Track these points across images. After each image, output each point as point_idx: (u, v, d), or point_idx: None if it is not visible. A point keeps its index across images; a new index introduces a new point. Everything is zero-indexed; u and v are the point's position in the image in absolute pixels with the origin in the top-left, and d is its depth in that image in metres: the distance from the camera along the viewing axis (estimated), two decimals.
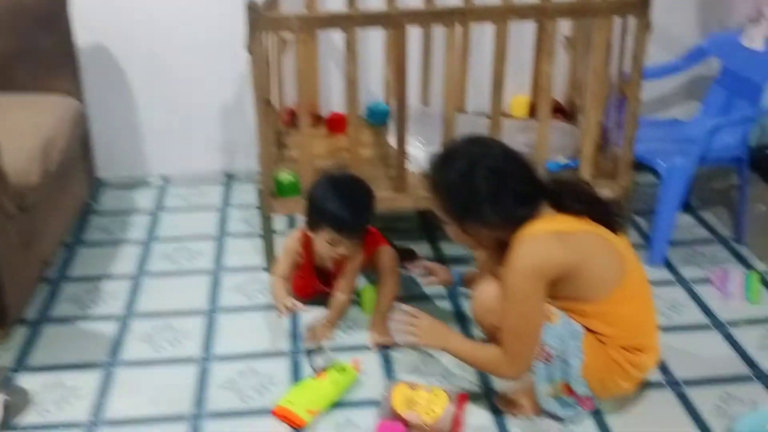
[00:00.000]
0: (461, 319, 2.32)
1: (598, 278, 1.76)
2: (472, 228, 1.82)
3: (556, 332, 1.77)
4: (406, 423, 1.84)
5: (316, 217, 2.15)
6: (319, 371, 2.03)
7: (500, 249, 1.81)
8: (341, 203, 2.10)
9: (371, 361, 2.14)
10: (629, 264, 1.80)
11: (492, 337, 1.86)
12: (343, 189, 2.14)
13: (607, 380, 1.81)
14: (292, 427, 1.91)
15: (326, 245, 2.16)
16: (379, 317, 2.24)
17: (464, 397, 1.84)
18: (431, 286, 2.37)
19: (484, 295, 1.87)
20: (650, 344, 1.85)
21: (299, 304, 2.13)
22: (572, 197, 1.81)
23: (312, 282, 2.34)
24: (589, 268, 1.75)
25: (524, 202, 1.77)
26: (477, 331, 2.05)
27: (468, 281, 2.24)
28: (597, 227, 1.79)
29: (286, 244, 2.30)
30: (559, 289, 1.75)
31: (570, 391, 1.82)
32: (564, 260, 1.72)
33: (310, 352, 2.11)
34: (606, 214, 1.83)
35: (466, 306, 2.35)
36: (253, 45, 2.22)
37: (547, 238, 1.73)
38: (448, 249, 2.68)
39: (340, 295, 2.26)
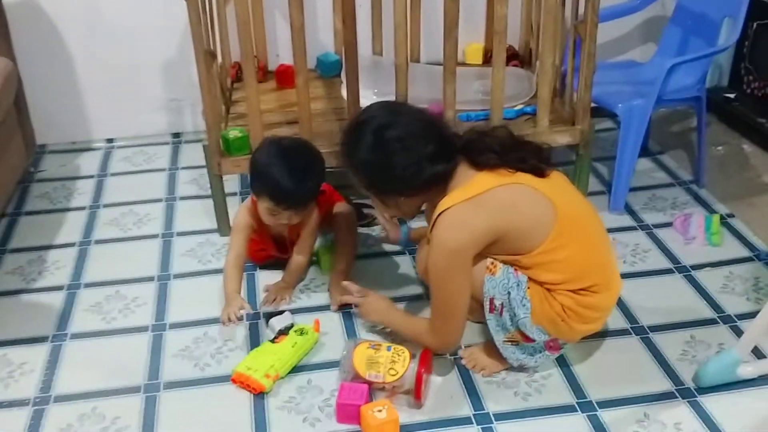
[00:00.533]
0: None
1: (528, 230, 1.70)
2: (393, 198, 1.80)
3: (497, 283, 1.74)
4: (368, 383, 1.78)
5: (257, 184, 2.03)
6: (277, 334, 1.96)
7: (430, 211, 1.80)
8: (282, 172, 1.96)
9: (332, 321, 2.08)
10: (561, 207, 1.71)
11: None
12: (286, 157, 2.00)
13: (560, 325, 1.75)
14: (251, 392, 1.84)
15: (267, 214, 2.04)
16: (338, 277, 2.17)
17: (427, 354, 1.79)
18: (381, 243, 2.34)
19: (425, 257, 1.83)
20: (603, 282, 1.76)
21: (246, 307, 2.00)
22: (486, 149, 1.75)
23: (268, 248, 2.25)
24: (516, 223, 1.69)
25: (438, 161, 1.72)
26: None
27: (415, 238, 2.19)
28: (517, 176, 1.72)
29: (236, 220, 2.15)
30: (492, 249, 1.72)
31: (527, 338, 1.78)
32: (486, 227, 1.68)
33: (267, 316, 2.03)
34: (524, 159, 1.75)
35: None
36: None
37: (464, 210, 1.67)
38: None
39: (297, 257, 2.18)
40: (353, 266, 2.23)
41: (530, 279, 1.74)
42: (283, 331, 1.97)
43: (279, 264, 2.25)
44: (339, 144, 1.85)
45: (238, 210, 2.18)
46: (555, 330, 1.77)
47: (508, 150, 1.76)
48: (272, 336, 1.97)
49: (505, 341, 1.81)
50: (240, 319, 1.99)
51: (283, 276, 2.20)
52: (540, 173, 1.75)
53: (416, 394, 1.76)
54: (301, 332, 1.97)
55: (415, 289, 2.20)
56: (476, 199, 1.68)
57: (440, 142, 1.75)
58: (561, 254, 1.71)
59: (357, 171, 1.80)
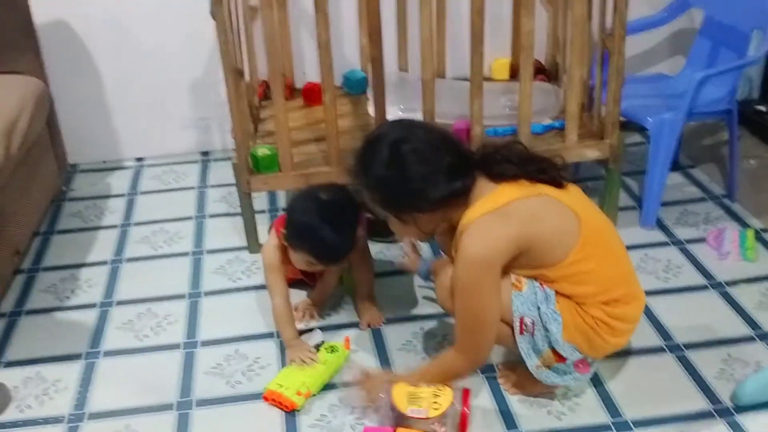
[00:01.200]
0: None
1: (554, 241, 1.67)
2: (410, 215, 1.73)
3: (525, 299, 1.71)
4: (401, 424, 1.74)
5: (297, 241, 1.96)
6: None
7: (448, 232, 1.76)
8: (326, 233, 1.91)
9: (362, 339, 2.08)
10: (584, 218, 1.69)
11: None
12: (328, 214, 1.93)
13: (594, 339, 1.72)
14: (283, 410, 1.84)
15: (304, 263, 2.00)
16: (362, 300, 2.17)
17: (467, 392, 1.76)
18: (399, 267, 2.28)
19: (446, 281, 1.77)
20: (629, 293, 1.74)
21: (309, 349, 1.97)
22: (504, 161, 1.72)
23: (294, 274, 2.19)
24: (542, 234, 1.66)
25: (456, 176, 1.68)
26: None
27: (434, 272, 2.10)
28: (539, 187, 1.70)
29: (266, 261, 2.04)
30: (517, 263, 1.69)
31: (560, 357, 1.75)
32: (512, 238, 1.64)
33: (300, 333, 2.03)
34: (544, 171, 1.73)
35: None
36: (217, 10, 2.11)
37: (490, 221, 1.64)
38: None
39: (327, 278, 2.17)
40: (374, 285, 2.20)
41: (558, 293, 1.71)
42: (315, 349, 1.97)
43: (306, 283, 2.26)
44: (352, 163, 1.78)
45: (264, 250, 2.07)
46: (588, 345, 1.73)
47: (526, 162, 1.74)
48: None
49: (537, 366, 1.77)
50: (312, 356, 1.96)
51: (311, 294, 2.20)
52: (559, 185, 1.74)
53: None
54: (332, 350, 1.97)
55: (436, 307, 2.18)
56: (501, 210, 1.66)
57: (457, 156, 1.71)
58: (588, 266, 1.68)
59: (372, 189, 1.74)
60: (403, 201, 1.71)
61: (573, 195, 1.76)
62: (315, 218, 1.92)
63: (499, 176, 1.71)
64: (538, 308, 1.71)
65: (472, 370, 1.82)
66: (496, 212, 1.66)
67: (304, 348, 1.97)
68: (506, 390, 1.89)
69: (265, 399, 1.87)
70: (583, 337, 1.72)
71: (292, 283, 2.26)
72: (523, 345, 1.75)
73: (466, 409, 1.72)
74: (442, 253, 2.03)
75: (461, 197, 1.70)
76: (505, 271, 1.70)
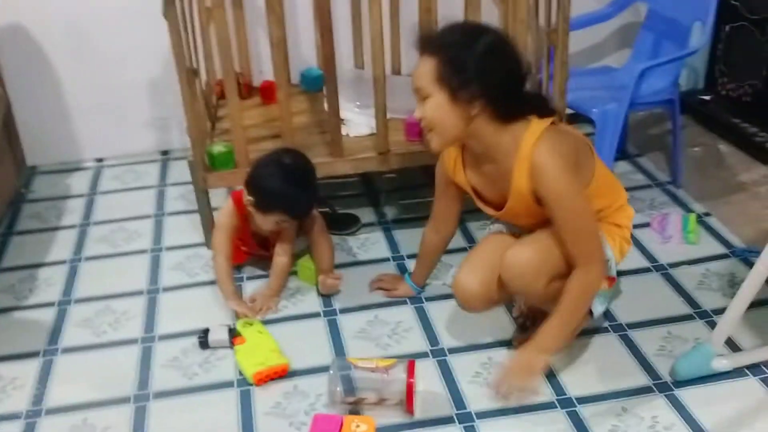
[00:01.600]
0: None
1: (587, 155, 1.83)
2: (460, 99, 1.66)
3: None
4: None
5: (269, 204, 2.11)
6: (230, 337, 2.05)
7: (465, 149, 1.86)
8: (297, 192, 2.10)
9: (317, 328, 2.13)
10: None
11: (537, 297, 1.83)
12: (295, 175, 2.11)
13: (618, 247, 1.90)
14: (281, 377, 1.93)
15: (272, 223, 2.15)
16: (325, 277, 2.24)
17: (413, 363, 1.82)
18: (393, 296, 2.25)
19: (520, 261, 1.77)
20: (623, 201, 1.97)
21: (247, 305, 2.18)
22: (546, 109, 1.80)
23: (250, 247, 2.33)
24: (583, 147, 1.82)
25: (521, 102, 1.74)
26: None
27: (417, 280, 2.22)
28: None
29: (219, 222, 2.24)
30: None
31: (611, 280, 1.88)
32: (573, 145, 1.78)
33: (202, 341, 2.06)
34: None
35: (410, 268, 2.34)
36: (168, 10, 2.15)
37: (552, 135, 1.72)
38: (391, 213, 2.66)
39: (280, 258, 2.24)
40: (333, 261, 2.29)
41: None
42: (235, 334, 2.04)
43: (261, 264, 2.32)
44: (437, 31, 1.75)
45: (219, 212, 2.24)
46: (618, 253, 1.91)
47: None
48: (227, 344, 2.04)
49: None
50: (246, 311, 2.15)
51: (269, 282, 2.25)
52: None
53: (408, 405, 1.79)
54: (248, 324, 2.06)
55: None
56: (553, 126, 1.75)
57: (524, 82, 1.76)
58: (604, 181, 1.86)
59: (448, 57, 1.65)
60: (475, 77, 1.64)
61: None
62: (284, 181, 2.09)
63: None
64: None
65: (600, 276, 1.79)
66: (552, 128, 1.74)
67: (242, 302, 2.18)
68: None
69: (259, 382, 1.92)
70: (618, 249, 1.90)
71: (253, 276, 2.32)
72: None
73: (411, 380, 1.77)
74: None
75: (513, 118, 1.73)
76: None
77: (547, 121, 1.74)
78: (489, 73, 1.66)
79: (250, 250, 2.34)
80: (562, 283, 1.76)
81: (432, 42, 1.70)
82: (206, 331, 2.06)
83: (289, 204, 2.11)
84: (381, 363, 1.85)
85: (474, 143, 1.78)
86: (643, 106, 2.63)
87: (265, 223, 2.16)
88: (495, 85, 1.67)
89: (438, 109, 1.69)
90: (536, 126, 1.72)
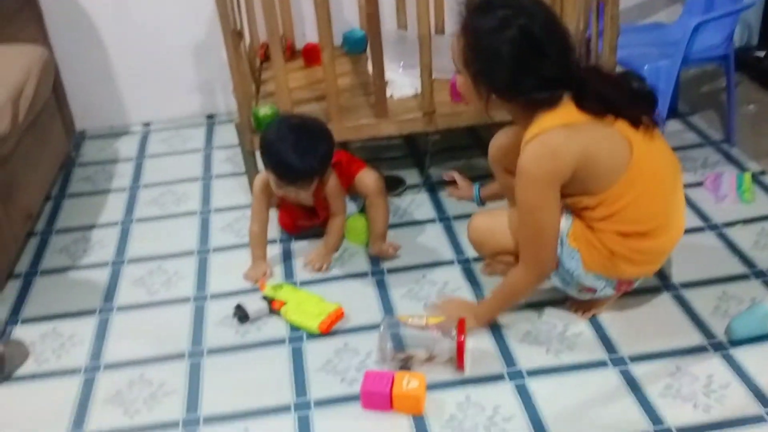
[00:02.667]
0: (453, 242, 2.31)
1: (605, 168, 1.68)
2: (479, 88, 1.71)
3: None
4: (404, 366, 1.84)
5: (264, 158, 2.10)
6: (269, 302, 2.06)
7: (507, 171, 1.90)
8: (285, 148, 2.02)
9: (366, 289, 2.14)
10: (638, 152, 1.69)
11: (491, 257, 1.99)
12: (292, 133, 2.05)
13: (614, 270, 1.78)
14: (338, 322, 2.00)
15: (275, 186, 2.12)
16: (376, 241, 2.24)
17: (463, 322, 1.82)
18: (453, 198, 2.44)
19: (477, 224, 1.94)
20: (660, 228, 1.76)
21: (269, 273, 2.20)
22: (597, 96, 1.68)
23: (296, 216, 2.32)
24: (595, 159, 1.67)
25: (545, 86, 1.65)
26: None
27: (486, 195, 2.34)
28: (609, 120, 1.69)
29: (254, 188, 2.22)
30: (569, 185, 1.70)
31: (590, 289, 1.84)
32: (573, 154, 1.65)
33: (240, 314, 2.04)
34: (635, 116, 1.71)
35: (456, 229, 2.34)
36: None
37: (557, 136, 1.65)
38: (436, 175, 2.65)
39: (333, 219, 2.24)
40: (387, 228, 2.27)
41: (576, 218, 1.76)
42: (270, 300, 2.06)
43: (314, 234, 2.31)
44: (468, 7, 1.68)
45: (255, 179, 2.23)
46: (608, 273, 1.80)
47: (615, 101, 1.69)
48: (267, 311, 2.05)
49: (579, 291, 1.87)
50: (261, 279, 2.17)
51: (324, 240, 2.26)
52: (636, 124, 1.71)
53: (459, 362, 1.80)
54: (280, 288, 2.09)
55: (448, 255, 2.24)
56: (570, 125, 1.66)
57: (560, 66, 1.65)
58: (627, 198, 1.70)
59: (467, 42, 1.67)
60: (486, 72, 1.68)
61: (640, 131, 1.72)
62: (279, 134, 2.05)
63: (585, 106, 1.67)
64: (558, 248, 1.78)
65: (539, 283, 1.85)
66: (564, 126, 1.66)
67: (260, 267, 2.20)
68: (579, 316, 1.97)
69: (325, 331, 1.96)
70: (603, 267, 1.78)
71: (301, 235, 2.34)
72: (555, 281, 1.86)
73: (462, 338, 1.78)
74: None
75: (539, 107, 1.68)
76: None
77: (558, 114, 1.66)
78: (504, 69, 1.64)
79: (299, 221, 2.32)
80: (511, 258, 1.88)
81: (466, 20, 1.68)
82: (239, 308, 2.04)
83: (277, 163, 2.05)
84: (431, 320, 1.85)
85: (511, 116, 1.82)
86: (697, 62, 2.56)
87: (273, 187, 2.12)
88: (510, 81, 1.66)
89: (464, 86, 1.76)
90: (544, 122, 1.67)
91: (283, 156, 2.03)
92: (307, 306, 2.01)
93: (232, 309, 2.05)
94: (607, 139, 1.69)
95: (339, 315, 2.00)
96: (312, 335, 1.97)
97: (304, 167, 2.05)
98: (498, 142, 2.09)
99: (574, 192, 1.73)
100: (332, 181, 2.18)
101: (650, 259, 1.82)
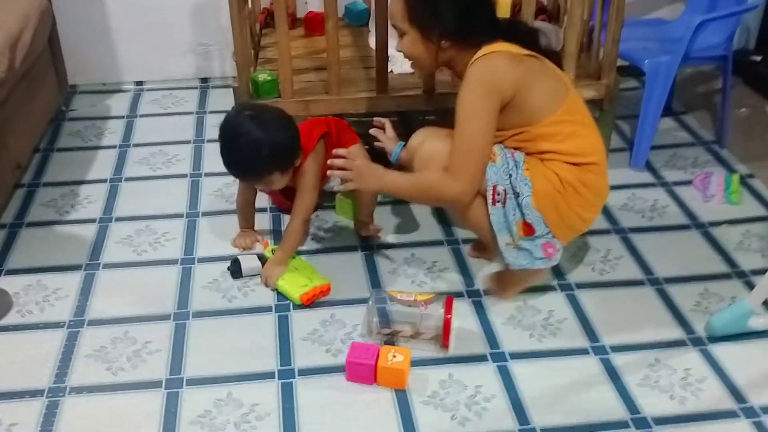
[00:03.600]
0: (443, 222, 2.32)
1: (545, 96, 1.82)
2: (431, 37, 1.83)
3: (498, 168, 1.81)
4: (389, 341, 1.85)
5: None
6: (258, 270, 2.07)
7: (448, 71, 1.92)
8: (226, 150, 1.99)
9: (355, 262, 2.15)
10: (572, 89, 1.87)
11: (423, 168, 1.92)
12: (236, 131, 1.96)
13: (563, 204, 1.83)
14: (322, 296, 1.99)
15: None
16: (362, 221, 2.23)
17: (451, 300, 1.84)
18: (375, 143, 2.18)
19: (422, 147, 1.92)
20: (601, 167, 1.88)
21: (259, 240, 2.19)
22: (524, 36, 1.88)
23: (280, 196, 2.27)
24: (535, 87, 1.80)
25: (486, 26, 1.83)
26: None
27: (404, 159, 2.08)
28: (542, 58, 1.88)
29: None
30: (506, 114, 1.80)
31: (529, 228, 1.84)
32: (514, 76, 1.77)
33: (234, 269, 2.06)
34: (551, 58, 1.92)
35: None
36: None
37: (500, 56, 1.78)
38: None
39: (292, 221, 2.09)
40: (374, 208, 2.27)
41: (528, 156, 1.83)
42: (265, 261, 2.07)
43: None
44: None
45: None
46: (555, 212, 1.83)
47: (542, 45, 1.92)
48: (260, 271, 2.05)
49: (507, 244, 1.86)
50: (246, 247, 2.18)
51: (277, 250, 2.08)
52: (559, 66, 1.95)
53: (444, 339, 1.82)
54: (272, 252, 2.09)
55: (436, 235, 2.26)
56: (513, 54, 1.80)
57: (493, 11, 1.90)
58: (569, 128, 1.83)
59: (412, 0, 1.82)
60: (437, 19, 1.81)
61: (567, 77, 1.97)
62: (224, 133, 2.00)
63: (515, 42, 1.84)
64: (510, 176, 1.81)
65: (458, 197, 1.82)
66: (508, 53, 1.80)
67: (248, 236, 2.19)
68: (487, 289, 2.03)
69: (307, 302, 1.97)
70: (552, 202, 1.82)
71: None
72: (495, 218, 1.84)
73: (449, 316, 1.80)
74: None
75: (482, 44, 1.80)
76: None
77: (500, 45, 1.80)
78: (450, 9, 1.80)
79: (282, 200, 2.28)
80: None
81: None
82: (235, 262, 2.06)
83: (225, 164, 2.01)
84: (419, 297, 1.87)
85: (453, 68, 1.90)
86: (696, 60, 2.58)
87: None
88: (459, 20, 1.80)
89: (413, 45, 1.87)
90: (485, 48, 1.80)
91: (226, 155, 1.99)
92: (296, 275, 2.02)
93: (228, 263, 2.07)
94: (543, 72, 1.85)
95: (324, 290, 2.00)
96: (298, 305, 1.97)
97: (245, 169, 2.01)
98: (414, 144, 1.97)
99: (519, 122, 1.82)
100: (309, 167, 2.07)
101: (594, 201, 1.89)
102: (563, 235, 1.89)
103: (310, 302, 1.97)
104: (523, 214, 1.83)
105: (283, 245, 2.08)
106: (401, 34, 1.88)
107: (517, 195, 1.81)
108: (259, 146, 1.93)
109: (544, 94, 1.82)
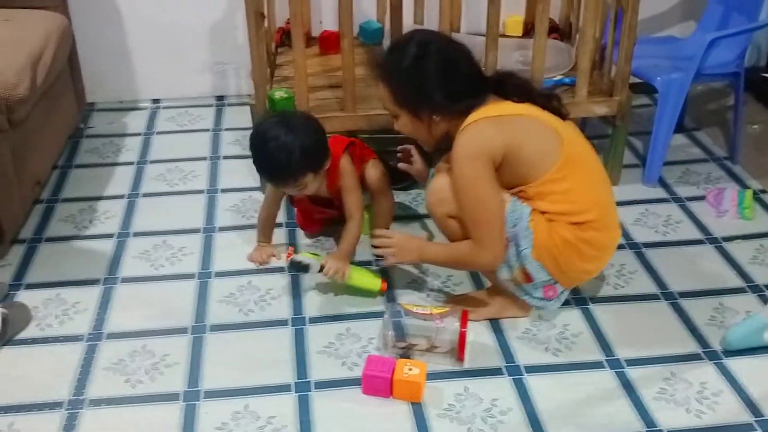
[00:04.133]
0: None
1: (536, 158, 1.80)
2: (421, 116, 1.85)
3: (507, 214, 1.81)
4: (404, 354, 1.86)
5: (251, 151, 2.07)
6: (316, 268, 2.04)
7: (448, 142, 1.86)
8: (259, 154, 2.01)
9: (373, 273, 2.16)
10: (567, 142, 1.81)
11: (444, 228, 1.95)
12: (265, 135, 1.99)
13: (562, 260, 1.83)
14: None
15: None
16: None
17: (466, 314, 1.85)
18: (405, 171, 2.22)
19: (437, 186, 1.90)
20: (601, 220, 1.85)
21: (275, 255, 2.22)
22: (516, 86, 1.86)
23: (311, 211, 2.29)
24: (526, 147, 1.79)
25: (472, 90, 1.83)
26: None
27: None
28: (538, 111, 1.84)
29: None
30: (501, 175, 1.81)
31: (528, 276, 1.85)
32: (501, 141, 1.77)
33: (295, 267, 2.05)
34: (549, 100, 1.88)
35: None
36: None
37: (486, 123, 1.78)
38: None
39: (349, 223, 2.14)
40: (390, 223, 2.28)
41: (534, 210, 1.82)
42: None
43: (325, 232, 2.34)
44: (381, 58, 1.92)
45: None
46: (555, 265, 1.83)
47: (534, 92, 1.88)
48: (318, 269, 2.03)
49: (506, 280, 1.89)
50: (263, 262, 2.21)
51: (339, 245, 2.14)
52: (560, 115, 1.87)
53: (460, 352, 1.82)
54: (316, 255, 2.08)
55: None
56: (498, 118, 1.80)
57: (477, 68, 1.87)
58: (563, 186, 1.80)
59: (396, 82, 1.85)
60: (422, 100, 1.83)
61: (566, 125, 1.88)
62: (254, 137, 2.03)
63: (507, 96, 1.85)
64: (514, 225, 1.81)
65: (490, 264, 1.86)
66: (493, 118, 1.80)
67: (265, 251, 2.21)
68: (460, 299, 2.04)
69: (384, 290, 2.06)
70: (551, 257, 1.82)
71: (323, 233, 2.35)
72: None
73: (464, 329, 1.81)
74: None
75: (473, 109, 1.81)
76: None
77: (487, 109, 1.79)
78: (434, 87, 1.80)
79: (311, 214, 2.29)
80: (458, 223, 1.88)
81: (379, 69, 1.90)
82: (295, 263, 2.02)
83: (257, 168, 2.06)
84: (435, 310, 1.88)
85: (451, 137, 1.86)
86: (708, 77, 2.60)
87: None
88: (444, 94, 1.81)
89: (408, 125, 1.90)
90: (472, 116, 1.80)
91: (259, 159, 2.02)
92: (356, 271, 2.05)
93: (287, 265, 2.07)
94: (534, 128, 1.82)
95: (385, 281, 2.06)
96: (314, 319, 2.00)
97: (279, 171, 2.01)
98: (433, 189, 1.94)
99: (514, 181, 1.82)
100: (346, 168, 2.12)
101: (596, 254, 1.87)
102: (565, 282, 1.90)
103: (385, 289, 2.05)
104: (522, 263, 1.84)
105: (344, 243, 2.12)
106: (394, 116, 1.91)
107: (518, 245, 1.82)
108: (290, 149, 1.96)
109: (535, 153, 1.79)
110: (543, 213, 1.81)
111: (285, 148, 1.96)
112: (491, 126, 1.78)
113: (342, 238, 2.15)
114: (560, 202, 1.81)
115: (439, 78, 1.80)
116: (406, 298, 2.07)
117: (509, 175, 1.81)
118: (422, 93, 1.82)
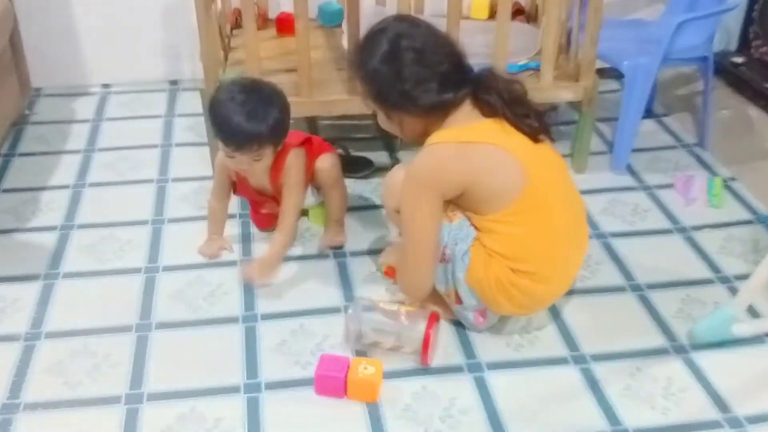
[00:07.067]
0: None
1: (490, 195, 1.67)
2: (397, 114, 1.73)
3: (451, 230, 1.71)
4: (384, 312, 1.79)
5: (211, 120, 1.93)
6: None
7: (427, 137, 1.74)
8: (232, 109, 1.85)
9: (327, 271, 2.07)
10: (534, 184, 1.67)
11: (393, 220, 1.90)
12: (241, 95, 1.87)
13: (490, 296, 1.73)
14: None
15: (227, 158, 1.94)
16: (330, 225, 2.16)
17: (434, 316, 1.76)
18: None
19: (392, 178, 1.83)
20: (544, 274, 1.72)
21: (226, 248, 2.13)
22: (495, 92, 1.69)
23: (255, 204, 2.18)
24: (484, 184, 1.66)
25: (448, 87, 1.67)
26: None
27: None
28: (509, 135, 1.68)
29: (216, 161, 2.07)
30: (461, 199, 1.70)
31: (459, 299, 1.76)
32: (459, 177, 1.66)
33: None
34: (528, 117, 1.71)
35: None
36: None
37: (450, 151, 1.66)
38: (406, 159, 2.58)
39: (277, 236, 2.02)
40: (345, 213, 2.20)
41: (478, 239, 1.71)
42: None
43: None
44: (352, 52, 1.79)
45: (217, 154, 2.05)
46: (483, 296, 1.74)
47: (515, 103, 1.71)
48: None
49: (444, 293, 1.80)
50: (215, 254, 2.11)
51: (268, 249, 2.04)
52: (535, 138, 1.71)
53: (423, 356, 1.74)
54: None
55: None
56: (465, 146, 1.65)
57: (455, 66, 1.69)
58: (512, 230, 1.67)
59: (367, 81, 1.73)
60: (393, 99, 1.71)
61: (539, 152, 1.72)
62: (226, 95, 1.88)
63: (484, 104, 1.69)
64: (456, 244, 1.71)
65: (404, 286, 1.83)
66: (459, 145, 1.66)
67: (216, 243, 2.12)
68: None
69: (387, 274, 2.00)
70: (481, 289, 1.73)
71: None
72: (438, 271, 1.76)
73: (430, 331, 1.72)
74: None
75: (445, 110, 1.69)
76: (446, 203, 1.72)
77: (456, 134, 1.67)
78: (389, 82, 1.68)
79: (256, 207, 2.19)
80: None
81: (357, 65, 1.75)
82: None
83: (222, 123, 1.87)
84: (403, 308, 1.78)
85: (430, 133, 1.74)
86: (676, 62, 2.53)
87: (226, 160, 1.96)
88: (418, 94, 1.67)
89: (386, 121, 1.78)
90: (440, 135, 1.68)
91: (228, 116, 1.85)
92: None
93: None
94: (500, 165, 1.67)
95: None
96: (266, 315, 1.90)
97: (250, 129, 1.85)
98: (387, 181, 1.89)
99: (464, 205, 1.71)
100: (293, 163, 1.99)
101: (528, 304, 1.76)
102: (497, 312, 1.80)
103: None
104: (455, 285, 1.75)
105: (275, 245, 2.00)
106: (374, 111, 1.79)
107: (454, 266, 1.72)
108: (269, 109, 1.87)
109: (491, 192, 1.66)
110: (485, 246, 1.70)
111: (260, 111, 1.86)
112: (454, 157, 1.64)
113: (270, 244, 2.03)
114: (501, 244, 1.68)
115: (409, 79, 1.65)
116: (364, 292, 1.98)
117: (460, 200, 1.70)
118: (392, 93, 1.69)
